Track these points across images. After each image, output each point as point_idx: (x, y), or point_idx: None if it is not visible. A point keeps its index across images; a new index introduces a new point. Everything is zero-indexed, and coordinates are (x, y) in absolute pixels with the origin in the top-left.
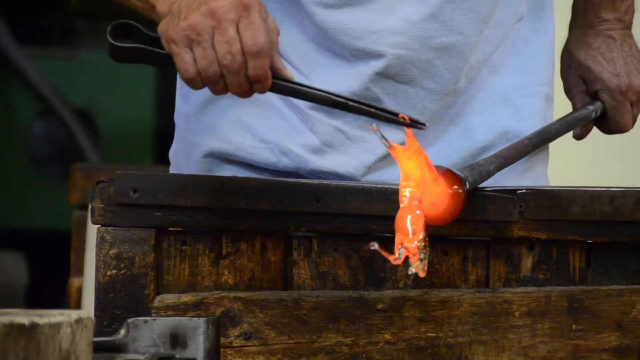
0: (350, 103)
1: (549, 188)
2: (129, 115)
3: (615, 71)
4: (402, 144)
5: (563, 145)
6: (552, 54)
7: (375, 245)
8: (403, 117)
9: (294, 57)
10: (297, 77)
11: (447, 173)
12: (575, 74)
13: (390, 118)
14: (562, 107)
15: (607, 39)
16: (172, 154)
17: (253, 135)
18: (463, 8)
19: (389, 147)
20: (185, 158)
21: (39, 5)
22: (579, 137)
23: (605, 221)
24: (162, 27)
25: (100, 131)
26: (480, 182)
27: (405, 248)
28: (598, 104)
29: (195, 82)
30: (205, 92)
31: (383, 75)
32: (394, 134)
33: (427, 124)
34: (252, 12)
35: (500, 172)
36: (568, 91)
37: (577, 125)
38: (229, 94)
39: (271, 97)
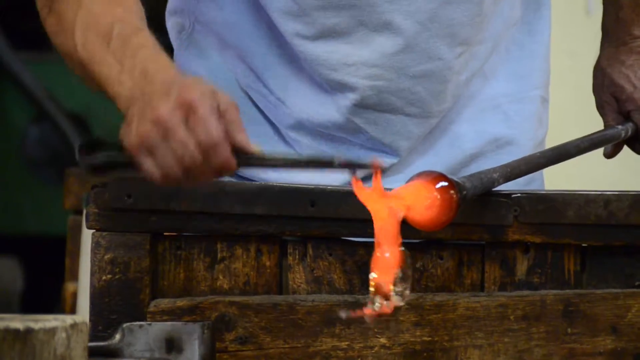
0: (311, 163)
1: (544, 192)
2: (123, 120)
3: None
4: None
5: None
6: (548, 55)
7: (343, 315)
8: (370, 165)
9: (271, 82)
10: (274, 103)
11: (440, 178)
12: (608, 92)
13: (358, 165)
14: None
15: (639, 56)
16: None
17: None
18: (440, 35)
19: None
20: None
21: (33, 11)
22: (608, 155)
23: (600, 225)
24: (121, 134)
25: (94, 135)
26: (483, 189)
27: (381, 295)
28: (629, 125)
29: (167, 182)
30: None
31: (362, 106)
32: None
33: (387, 167)
34: (197, 106)
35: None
36: (600, 108)
37: (601, 145)
38: None
39: (259, 116)
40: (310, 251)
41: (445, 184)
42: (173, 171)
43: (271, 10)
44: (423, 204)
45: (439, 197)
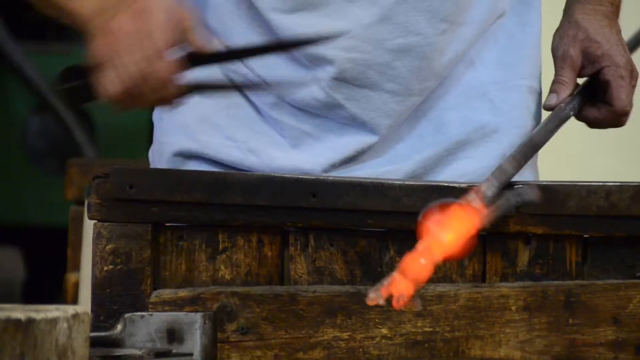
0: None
1: (545, 183)
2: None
3: (621, 52)
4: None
5: (559, 140)
6: (538, 46)
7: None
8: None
9: (251, 60)
10: (254, 81)
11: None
12: (579, 46)
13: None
14: None
15: (609, 20)
16: (150, 154)
17: (221, 133)
18: (418, 8)
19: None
20: (158, 158)
21: None
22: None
23: (601, 216)
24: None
25: (96, 126)
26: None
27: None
28: (575, 101)
29: (121, 97)
30: None
31: (340, 79)
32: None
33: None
34: (150, 15)
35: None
36: (561, 61)
37: (557, 129)
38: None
39: (240, 99)
40: (312, 242)
41: (470, 212)
42: (127, 83)
43: None
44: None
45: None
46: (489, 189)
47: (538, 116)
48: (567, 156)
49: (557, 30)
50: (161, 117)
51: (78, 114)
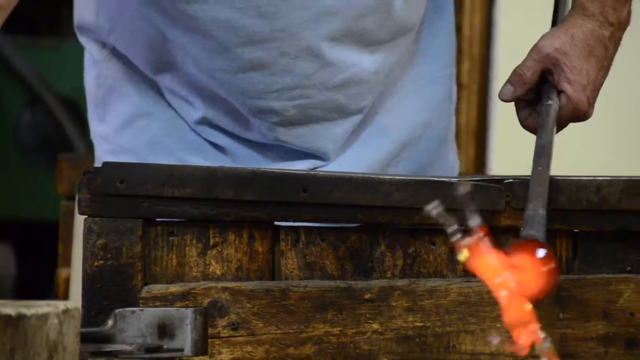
0: None
1: None
2: None
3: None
4: None
5: None
6: (453, 28)
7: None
8: None
9: (198, 100)
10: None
11: (530, 243)
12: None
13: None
14: None
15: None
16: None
17: (172, 155)
18: (353, 44)
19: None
20: None
21: None
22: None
23: (592, 210)
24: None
25: (87, 120)
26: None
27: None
28: (554, 95)
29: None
30: (123, 113)
31: (286, 124)
32: None
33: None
34: None
35: None
36: (516, 75)
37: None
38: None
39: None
40: (303, 237)
41: (546, 252)
42: None
43: (188, 48)
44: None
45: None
46: (537, 223)
47: (455, 100)
48: (558, 150)
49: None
50: (105, 138)
51: (69, 107)
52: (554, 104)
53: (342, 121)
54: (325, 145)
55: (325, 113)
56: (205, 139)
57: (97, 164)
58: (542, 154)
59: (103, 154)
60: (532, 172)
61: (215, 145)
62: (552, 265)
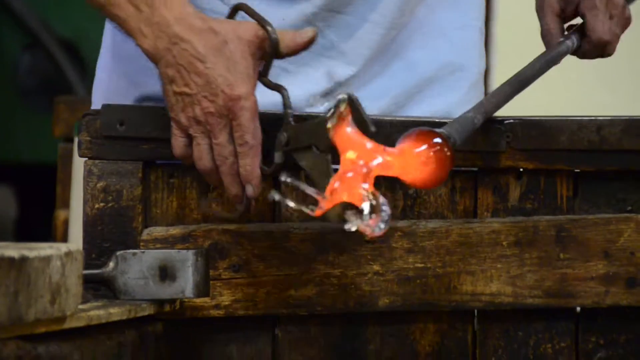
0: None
1: (537, 118)
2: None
3: None
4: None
5: (550, 75)
6: None
7: (276, 196)
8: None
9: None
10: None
11: (433, 135)
12: None
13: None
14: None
15: None
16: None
17: None
18: None
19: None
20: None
21: None
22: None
23: (592, 150)
24: (164, 97)
25: (87, 63)
26: (466, 134)
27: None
28: (574, 37)
29: (185, 161)
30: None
31: (325, 9)
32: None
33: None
34: (241, 114)
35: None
36: (540, 10)
37: (557, 62)
38: None
39: None
40: (303, 179)
41: (439, 140)
42: (203, 162)
43: None
44: (418, 164)
45: (433, 156)
46: (454, 131)
47: (484, 59)
48: (558, 90)
49: None
50: (113, 68)
51: (68, 50)
52: (566, 42)
53: (381, 30)
54: (358, 48)
55: (367, 10)
56: None
57: (109, 93)
58: (517, 76)
59: (114, 83)
60: (498, 87)
61: None
62: (445, 155)
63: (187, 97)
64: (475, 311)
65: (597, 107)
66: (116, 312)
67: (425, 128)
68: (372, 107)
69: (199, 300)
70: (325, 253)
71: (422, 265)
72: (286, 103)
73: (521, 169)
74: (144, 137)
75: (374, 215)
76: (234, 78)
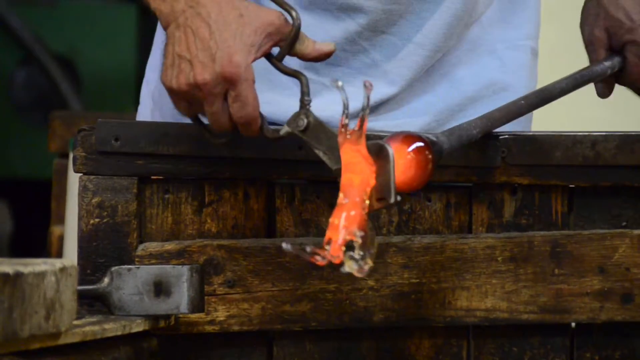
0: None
1: (531, 133)
2: (111, 62)
3: None
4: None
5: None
6: (539, 7)
7: (287, 247)
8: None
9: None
10: None
11: (414, 138)
12: (602, 26)
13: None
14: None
15: None
16: (144, 109)
17: None
18: None
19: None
20: (160, 112)
21: None
22: (602, 95)
23: (587, 165)
24: (163, 58)
25: (82, 78)
26: (461, 145)
27: (333, 246)
28: (616, 60)
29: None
30: None
31: (369, 28)
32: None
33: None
34: (239, 85)
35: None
36: (590, 44)
37: (586, 84)
38: None
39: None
40: (298, 194)
41: (421, 144)
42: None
43: None
44: (399, 166)
45: (414, 158)
46: (446, 138)
47: (536, 80)
48: (554, 105)
49: (583, 8)
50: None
51: (63, 66)
52: (605, 64)
53: (425, 52)
54: (400, 69)
55: (413, 32)
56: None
57: (155, 102)
58: (542, 93)
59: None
60: (513, 101)
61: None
62: (426, 158)
63: (184, 61)
64: (470, 327)
65: (591, 122)
66: (111, 328)
67: (411, 132)
68: (414, 124)
69: (194, 316)
70: (320, 268)
71: (417, 280)
72: (304, 90)
73: (516, 185)
74: (139, 153)
75: (362, 253)
76: (235, 47)
